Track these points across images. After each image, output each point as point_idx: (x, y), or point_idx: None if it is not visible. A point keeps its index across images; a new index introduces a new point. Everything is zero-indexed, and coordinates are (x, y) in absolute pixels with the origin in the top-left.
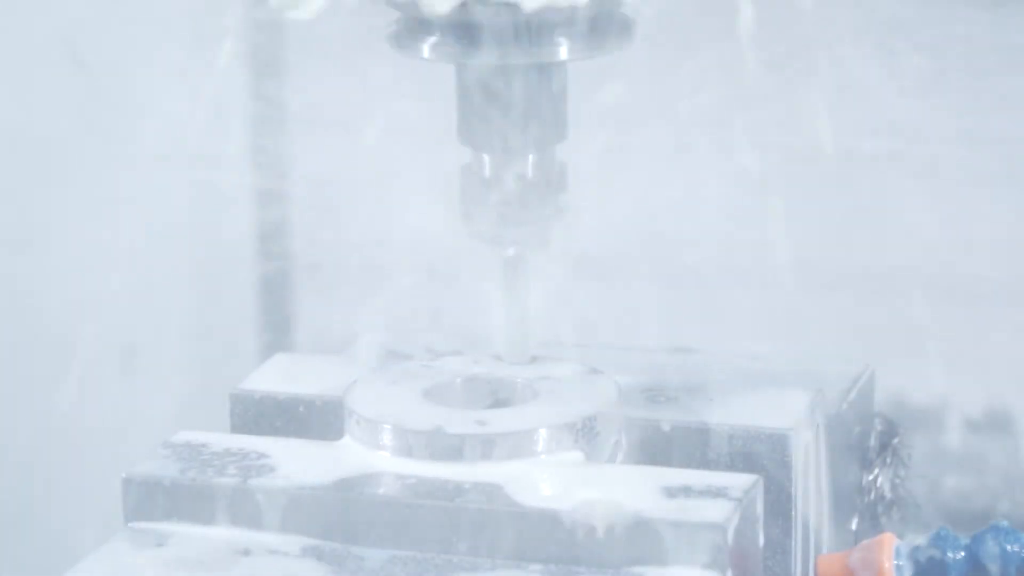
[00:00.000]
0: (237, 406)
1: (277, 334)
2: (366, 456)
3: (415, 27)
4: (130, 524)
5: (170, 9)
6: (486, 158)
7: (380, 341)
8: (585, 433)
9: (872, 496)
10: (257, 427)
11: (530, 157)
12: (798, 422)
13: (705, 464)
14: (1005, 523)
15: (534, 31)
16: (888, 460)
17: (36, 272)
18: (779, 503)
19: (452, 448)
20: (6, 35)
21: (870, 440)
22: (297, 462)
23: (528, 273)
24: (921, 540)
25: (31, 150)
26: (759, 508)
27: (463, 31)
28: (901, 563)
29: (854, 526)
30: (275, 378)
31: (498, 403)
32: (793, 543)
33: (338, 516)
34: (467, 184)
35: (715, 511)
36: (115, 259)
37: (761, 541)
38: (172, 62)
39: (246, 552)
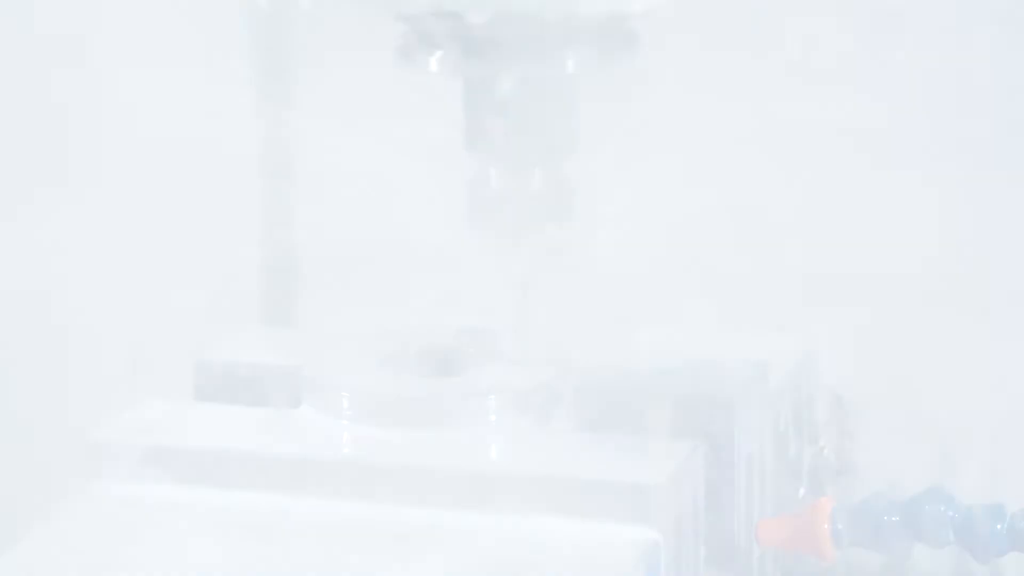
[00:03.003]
0: (201, 374)
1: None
2: (323, 422)
3: (423, 41)
4: (91, 484)
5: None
6: (493, 171)
7: (356, 316)
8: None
9: (819, 465)
10: (220, 395)
11: (536, 171)
12: (743, 392)
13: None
14: (942, 487)
15: (544, 44)
16: (834, 431)
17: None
18: (722, 469)
19: (405, 414)
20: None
21: (817, 412)
22: (256, 427)
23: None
24: (858, 503)
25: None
26: (699, 473)
27: (470, 44)
28: (839, 526)
29: (801, 494)
30: (239, 348)
31: (452, 372)
32: (735, 508)
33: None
34: (475, 197)
35: (652, 474)
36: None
37: (701, 505)
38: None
39: (206, 510)
